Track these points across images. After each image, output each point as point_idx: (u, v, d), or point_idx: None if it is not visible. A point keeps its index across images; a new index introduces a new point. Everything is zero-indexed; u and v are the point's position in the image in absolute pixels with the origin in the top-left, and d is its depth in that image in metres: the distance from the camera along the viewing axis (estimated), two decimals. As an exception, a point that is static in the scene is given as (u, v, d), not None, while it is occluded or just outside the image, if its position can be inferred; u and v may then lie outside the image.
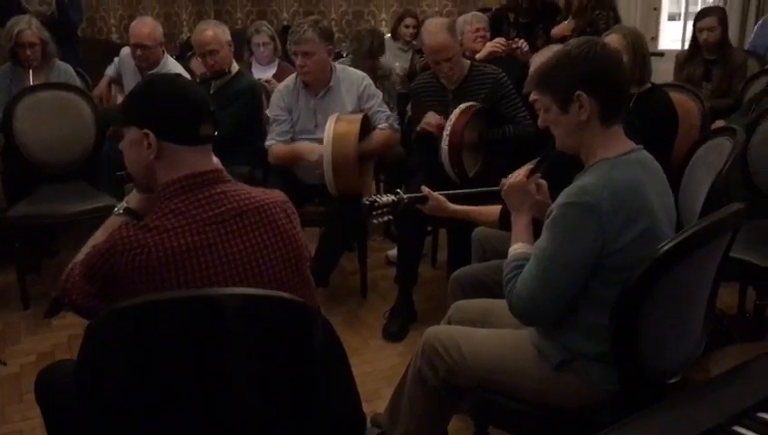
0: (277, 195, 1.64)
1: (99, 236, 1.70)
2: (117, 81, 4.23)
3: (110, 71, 4.27)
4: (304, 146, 3.32)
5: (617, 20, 4.23)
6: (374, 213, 2.31)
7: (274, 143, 3.36)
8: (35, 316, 3.39)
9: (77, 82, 3.98)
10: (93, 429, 1.37)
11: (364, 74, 3.41)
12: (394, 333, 3.16)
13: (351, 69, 3.45)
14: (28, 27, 3.71)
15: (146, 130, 1.51)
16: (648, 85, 2.90)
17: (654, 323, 1.57)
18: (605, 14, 4.24)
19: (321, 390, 1.37)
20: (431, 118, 3.15)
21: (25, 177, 3.69)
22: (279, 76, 4.23)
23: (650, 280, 1.53)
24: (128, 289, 1.42)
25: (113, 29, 5.68)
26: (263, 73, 4.30)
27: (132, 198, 1.76)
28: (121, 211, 1.74)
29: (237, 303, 1.27)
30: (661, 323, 1.59)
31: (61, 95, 3.72)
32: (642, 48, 2.88)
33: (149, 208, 1.72)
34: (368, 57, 4.02)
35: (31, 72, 3.76)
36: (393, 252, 3.85)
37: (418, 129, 3.22)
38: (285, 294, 1.32)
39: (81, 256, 1.63)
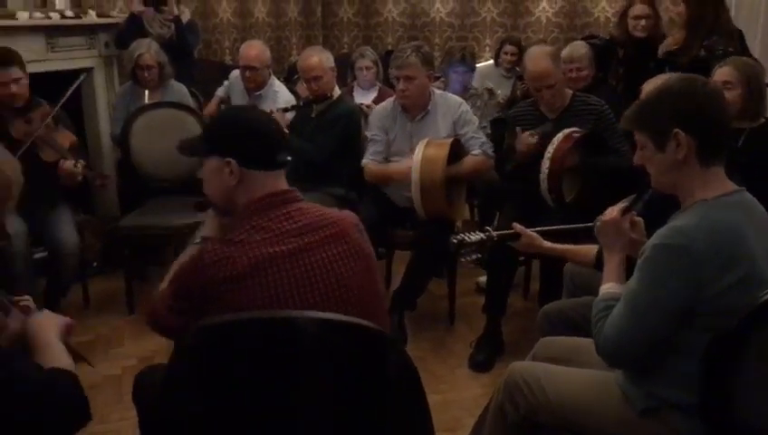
0: (348, 214, 1.72)
1: (181, 262, 1.78)
2: (226, 101, 4.45)
3: (220, 91, 4.50)
4: (393, 167, 3.36)
5: (743, 51, 3.87)
6: (462, 251, 2.30)
7: (369, 162, 3.43)
8: (139, 322, 3.57)
9: (189, 101, 4.20)
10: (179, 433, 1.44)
11: (462, 100, 3.43)
12: (480, 362, 3.12)
13: (450, 95, 3.47)
14: (147, 51, 3.97)
15: (228, 159, 1.60)
16: (763, 120, 2.75)
17: (750, 375, 1.48)
18: (723, 41, 3.91)
19: (392, 416, 1.38)
20: (526, 138, 3.10)
21: (138, 190, 3.93)
22: (379, 100, 4.28)
23: (749, 329, 1.44)
24: (218, 300, 1.49)
25: (227, 51, 5.96)
26: (363, 97, 4.39)
27: (207, 228, 1.85)
28: (199, 241, 1.82)
29: (313, 326, 1.30)
30: (758, 376, 1.49)
31: (173, 113, 3.93)
32: (758, 81, 2.75)
33: (225, 233, 1.79)
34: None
35: (147, 91, 4.01)
36: (484, 279, 3.80)
37: (515, 158, 3.19)
38: (362, 321, 1.34)
39: (164, 284, 1.72)
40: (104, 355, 3.27)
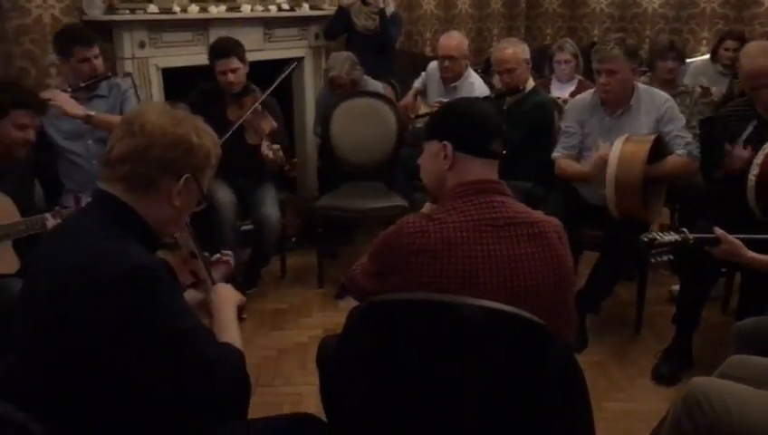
0: (552, 219, 1.69)
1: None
2: (422, 93, 4.54)
3: (417, 83, 4.60)
4: (590, 160, 3.22)
5: None
6: (653, 251, 2.17)
7: (560, 155, 3.34)
8: (327, 295, 3.82)
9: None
10: (351, 400, 1.53)
11: (667, 96, 3.20)
12: (665, 375, 2.92)
13: (655, 90, 3.26)
14: (340, 72, 4.06)
15: (444, 142, 1.68)
16: None
17: None
18: None
19: (551, 416, 1.35)
20: (740, 153, 2.84)
21: (335, 173, 4.17)
22: (577, 94, 4.15)
23: None
24: (404, 268, 1.56)
25: (427, 43, 6.09)
26: (561, 91, 4.28)
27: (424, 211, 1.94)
28: None
29: (476, 314, 1.31)
30: None
31: (371, 103, 4.12)
32: None
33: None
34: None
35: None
36: (677, 288, 3.55)
37: (726, 167, 2.93)
38: (524, 313, 1.33)
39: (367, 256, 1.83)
40: (294, 323, 3.52)
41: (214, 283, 1.77)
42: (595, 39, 6.31)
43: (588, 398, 1.45)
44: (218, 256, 1.92)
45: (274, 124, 3.50)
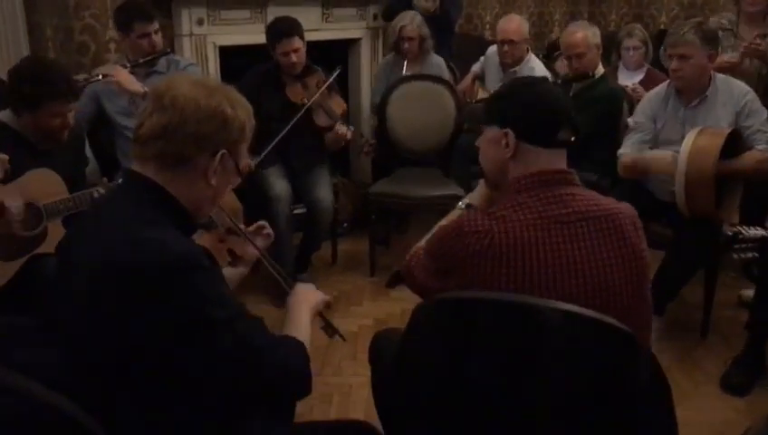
0: (626, 207, 1.56)
1: (442, 225, 1.80)
2: (481, 77, 4.41)
3: (475, 67, 4.47)
4: (655, 154, 3.05)
5: None
6: (736, 246, 2.01)
7: (627, 152, 3.16)
8: (378, 284, 3.74)
9: (446, 75, 4.24)
10: (413, 403, 1.44)
11: (748, 88, 2.99)
12: (735, 385, 2.76)
13: (734, 80, 3.06)
14: (410, 23, 4.06)
15: (506, 130, 1.54)
16: None
17: None
18: None
19: (635, 427, 1.24)
20: None
21: (390, 158, 4.07)
22: (646, 83, 3.96)
23: None
24: (465, 270, 1.46)
25: (487, 26, 5.92)
26: (629, 79, 4.08)
27: (475, 196, 1.85)
28: (463, 206, 1.85)
29: (559, 319, 1.20)
30: None
31: (429, 86, 4.00)
32: None
33: (490, 206, 1.76)
34: None
35: (406, 62, 4.10)
36: (748, 292, 3.36)
37: None
38: (612, 321, 1.22)
39: (424, 241, 1.74)
40: (344, 312, 3.45)
41: (260, 252, 1.72)
42: (662, 26, 6.05)
43: (674, 411, 1.34)
44: (256, 226, 1.84)
45: (345, 104, 3.43)
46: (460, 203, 1.88)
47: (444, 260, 1.53)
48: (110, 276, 1.22)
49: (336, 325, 1.74)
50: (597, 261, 1.44)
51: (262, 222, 1.86)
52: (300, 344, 1.42)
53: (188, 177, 1.35)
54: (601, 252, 1.45)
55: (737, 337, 2.95)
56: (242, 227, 1.75)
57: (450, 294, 1.34)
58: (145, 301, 1.21)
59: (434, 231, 1.74)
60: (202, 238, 1.65)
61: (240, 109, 1.40)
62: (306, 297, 1.60)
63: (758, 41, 3.44)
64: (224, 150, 1.36)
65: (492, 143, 1.60)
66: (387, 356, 1.71)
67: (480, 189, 1.84)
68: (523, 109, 1.56)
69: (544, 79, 1.88)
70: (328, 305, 1.67)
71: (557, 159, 1.55)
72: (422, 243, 1.75)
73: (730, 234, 2.02)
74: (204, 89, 1.36)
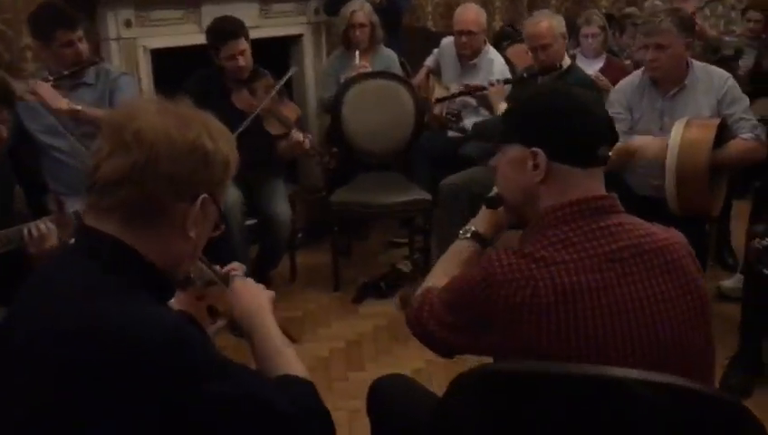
0: (678, 235, 1.32)
1: (448, 260, 1.55)
2: (435, 71, 4.18)
3: (428, 61, 4.24)
4: (638, 140, 2.88)
5: None
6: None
7: None
8: (344, 299, 3.48)
9: (399, 70, 4.00)
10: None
11: (728, 75, 2.88)
12: (734, 386, 2.63)
13: (714, 68, 2.94)
14: (360, 9, 3.83)
15: (534, 149, 1.28)
16: None
17: None
18: None
19: None
20: None
21: (346, 162, 3.79)
22: (606, 71, 3.85)
23: None
24: (504, 326, 1.21)
25: (429, 16, 5.70)
26: (588, 67, 3.92)
27: (481, 222, 1.57)
28: (468, 235, 1.57)
29: (646, 391, 0.97)
30: None
31: (384, 84, 3.77)
32: None
33: (499, 235, 1.56)
34: None
35: (357, 53, 3.83)
36: (728, 284, 3.27)
37: None
38: (713, 391, 1.00)
39: (429, 282, 1.49)
40: (312, 334, 3.17)
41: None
42: (604, 11, 5.98)
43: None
44: (229, 267, 1.53)
45: (299, 110, 3.15)
46: (462, 231, 1.61)
47: (470, 314, 1.27)
48: (74, 368, 0.95)
49: (296, 349, 1.44)
50: (659, 303, 1.21)
51: (235, 263, 1.56)
52: (305, 383, 1.18)
53: (162, 231, 1.07)
54: (662, 292, 1.22)
55: (729, 334, 2.82)
56: (215, 267, 1.46)
57: (501, 366, 1.08)
58: (135, 395, 0.94)
59: (438, 271, 1.50)
60: (178, 300, 1.36)
61: (222, 140, 1.12)
62: (260, 303, 1.32)
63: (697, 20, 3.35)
64: (205, 195, 1.08)
65: (515, 165, 1.34)
66: (399, 416, 1.47)
67: (484, 214, 1.58)
68: (557, 122, 1.29)
69: (576, 87, 1.61)
70: (272, 304, 1.37)
71: (596, 182, 1.30)
72: (429, 284, 1.48)
73: (761, 248, 1.85)
74: (175, 118, 1.07)
